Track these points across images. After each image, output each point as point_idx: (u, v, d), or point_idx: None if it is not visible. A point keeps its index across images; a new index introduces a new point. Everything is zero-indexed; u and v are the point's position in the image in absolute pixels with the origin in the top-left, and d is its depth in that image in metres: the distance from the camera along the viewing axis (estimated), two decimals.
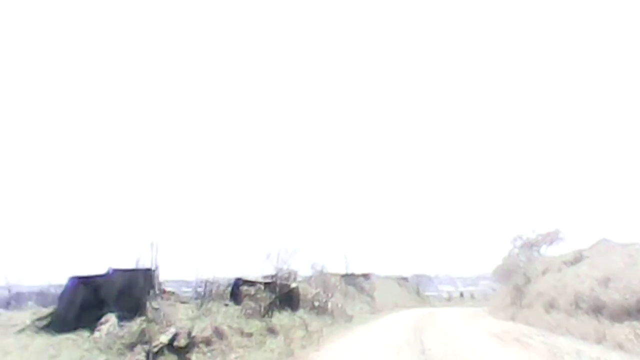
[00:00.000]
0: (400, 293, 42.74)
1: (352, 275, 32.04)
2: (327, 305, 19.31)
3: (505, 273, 39.26)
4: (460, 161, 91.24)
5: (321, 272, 21.48)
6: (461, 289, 65.10)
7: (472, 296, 59.14)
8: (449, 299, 55.24)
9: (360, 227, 59.38)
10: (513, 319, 21.71)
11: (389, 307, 32.11)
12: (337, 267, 33.01)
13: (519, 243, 38.96)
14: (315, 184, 74.86)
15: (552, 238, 35.61)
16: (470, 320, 23.48)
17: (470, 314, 29.76)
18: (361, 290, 31.04)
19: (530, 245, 36.85)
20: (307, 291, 18.71)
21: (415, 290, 49.66)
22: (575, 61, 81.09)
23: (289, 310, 16.29)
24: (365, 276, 34.82)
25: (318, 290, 19.36)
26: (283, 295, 16.09)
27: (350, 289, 26.29)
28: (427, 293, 53.94)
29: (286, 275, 16.71)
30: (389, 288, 38.55)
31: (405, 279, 49.31)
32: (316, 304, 18.64)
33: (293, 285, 17.00)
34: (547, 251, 35.41)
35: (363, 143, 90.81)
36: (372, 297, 31.34)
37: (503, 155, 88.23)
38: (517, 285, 26.18)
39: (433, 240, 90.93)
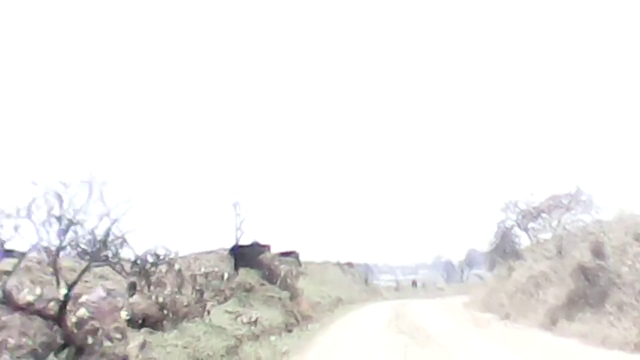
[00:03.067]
0: (344, 282, 29.89)
1: (250, 247, 16.37)
2: None
3: (498, 254, 27.79)
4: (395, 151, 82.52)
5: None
6: (401, 278, 61.38)
7: (423, 285, 54.49)
8: (398, 289, 49.29)
9: (277, 198, 44.61)
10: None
11: (327, 308, 18.39)
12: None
13: (513, 213, 28.38)
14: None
15: (571, 201, 24.75)
16: (510, 342, 10.30)
17: (470, 317, 16.98)
18: (270, 278, 15.70)
19: (538, 214, 26.19)
20: None
21: (364, 279, 37.31)
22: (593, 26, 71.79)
23: None
24: (288, 255, 19.94)
25: None
26: None
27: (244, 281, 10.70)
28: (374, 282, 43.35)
29: None
30: (329, 276, 25.29)
31: (350, 264, 36.94)
32: None
33: None
34: (565, 219, 24.91)
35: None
36: (293, 292, 16.09)
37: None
38: (584, 268, 13.26)
39: (369, 228, 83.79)
